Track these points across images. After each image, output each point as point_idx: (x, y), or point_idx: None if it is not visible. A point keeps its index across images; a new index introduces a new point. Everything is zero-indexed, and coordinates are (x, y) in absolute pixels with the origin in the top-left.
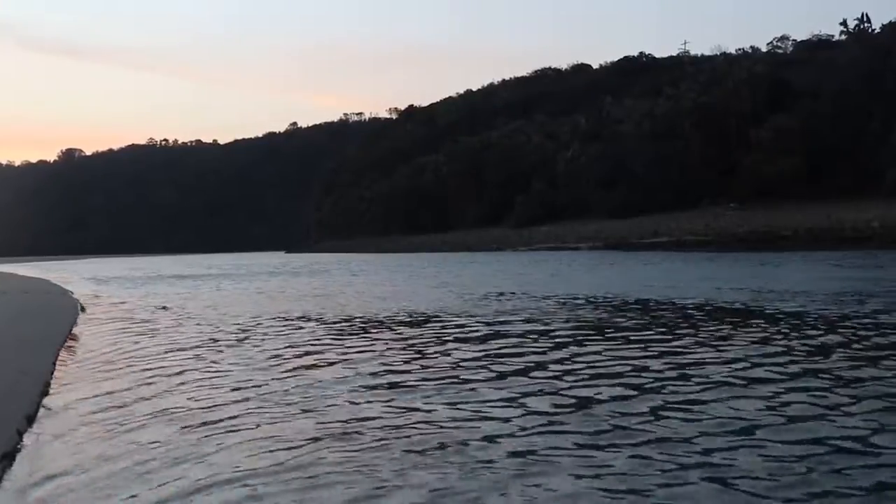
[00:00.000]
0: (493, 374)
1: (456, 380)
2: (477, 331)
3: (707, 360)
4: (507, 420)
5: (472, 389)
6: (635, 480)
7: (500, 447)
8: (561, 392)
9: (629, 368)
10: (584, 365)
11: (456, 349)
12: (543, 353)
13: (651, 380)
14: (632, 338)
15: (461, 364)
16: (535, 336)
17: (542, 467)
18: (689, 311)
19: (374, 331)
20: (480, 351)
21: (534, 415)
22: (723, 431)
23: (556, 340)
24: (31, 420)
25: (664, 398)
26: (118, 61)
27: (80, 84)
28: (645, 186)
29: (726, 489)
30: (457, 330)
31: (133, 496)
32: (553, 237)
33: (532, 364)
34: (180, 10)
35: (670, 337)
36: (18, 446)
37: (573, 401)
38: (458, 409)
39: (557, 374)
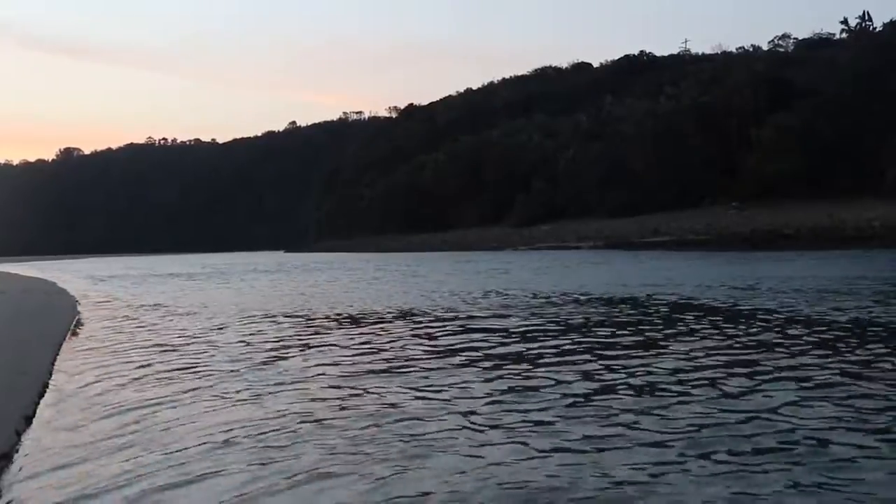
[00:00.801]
0: (449, 363)
1: (412, 367)
2: (445, 325)
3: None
4: (451, 401)
5: (425, 376)
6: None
7: (434, 422)
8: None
9: (574, 358)
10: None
11: (420, 341)
12: (510, 344)
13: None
14: (583, 330)
15: (422, 354)
16: (500, 330)
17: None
18: (657, 307)
19: (347, 325)
20: (445, 342)
21: (474, 398)
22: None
23: (516, 333)
24: (29, 420)
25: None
26: (117, 60)
27: (78, 83)
28: (646, 186)
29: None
30: (428, 324)
31: (130, 495)
32: (553, 236)
33: (491, 354)
34: (179, 9)
35: (625, 330)
36: (17, 447)
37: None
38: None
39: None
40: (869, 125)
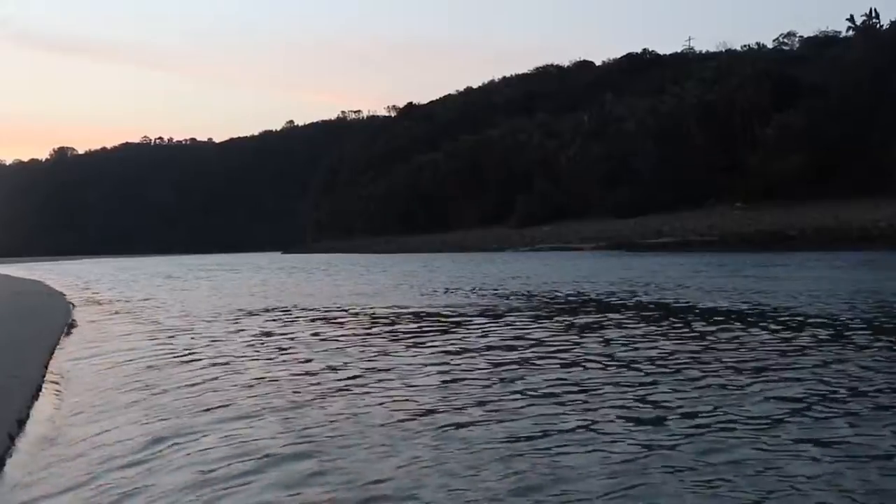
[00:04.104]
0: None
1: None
2: (401, 318)
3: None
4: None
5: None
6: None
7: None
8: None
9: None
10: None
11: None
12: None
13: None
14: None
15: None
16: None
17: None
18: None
19: (321, 320)
20: (397, 332)
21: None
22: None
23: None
24: (22, 424)
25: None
26: (112, 58)
27: (73, 81)
28: (649, 185)
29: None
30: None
31: (127, 497)
32: (555, 237)
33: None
34: (175, 6)
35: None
36: (10, 450)
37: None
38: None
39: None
40: (875, 124)
